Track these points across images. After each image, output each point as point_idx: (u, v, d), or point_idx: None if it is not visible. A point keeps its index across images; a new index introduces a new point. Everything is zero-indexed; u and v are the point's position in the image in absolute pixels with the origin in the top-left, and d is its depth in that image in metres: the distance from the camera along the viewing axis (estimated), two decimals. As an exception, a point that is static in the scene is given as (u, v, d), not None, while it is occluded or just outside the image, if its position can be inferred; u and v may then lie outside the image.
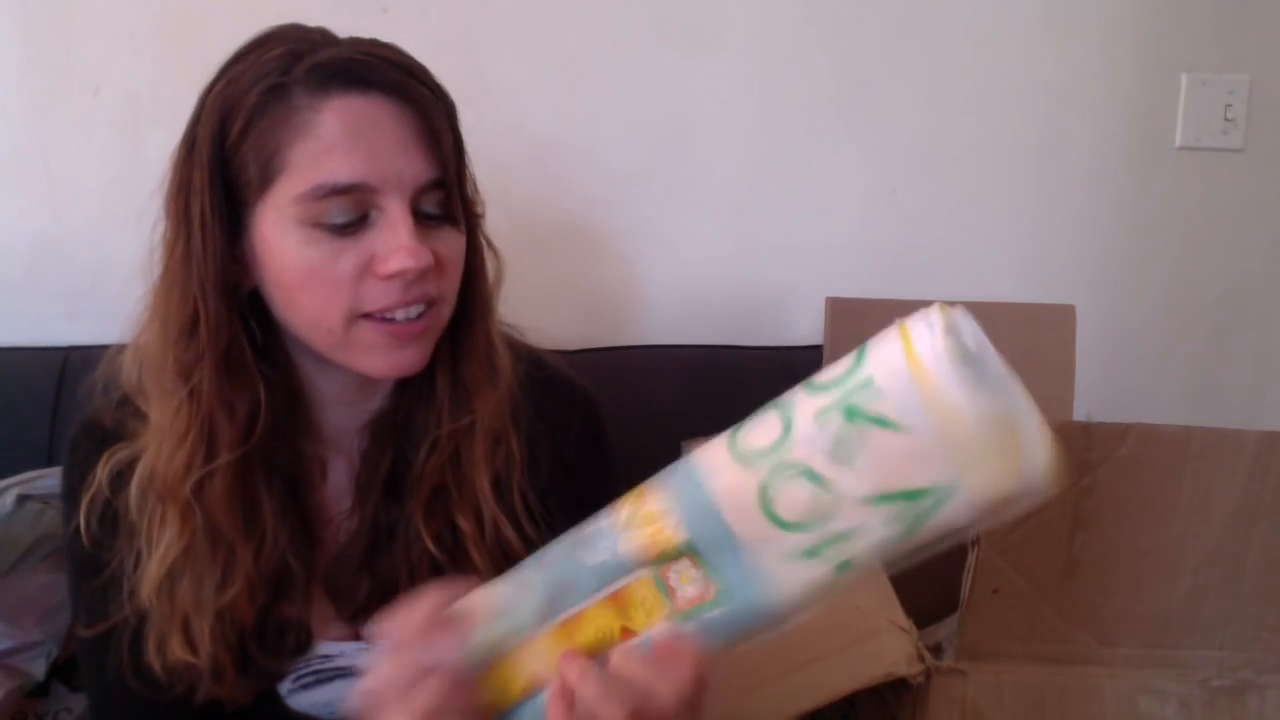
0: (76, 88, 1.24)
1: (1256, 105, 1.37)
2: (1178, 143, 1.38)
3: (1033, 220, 1.40)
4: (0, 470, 1.05)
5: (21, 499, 1.03)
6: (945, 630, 0.76)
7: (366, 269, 0.65)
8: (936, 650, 0.72)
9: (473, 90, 1.25)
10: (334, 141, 0.64)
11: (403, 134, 0.65)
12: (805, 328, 1.36)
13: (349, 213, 0.64)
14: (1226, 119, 1.37)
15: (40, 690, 1.02)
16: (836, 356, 1.14)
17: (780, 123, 1.34)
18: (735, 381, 1.30)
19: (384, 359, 0.68)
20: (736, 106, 1.33)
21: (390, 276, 0.65)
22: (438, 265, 0.67)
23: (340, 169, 0.63)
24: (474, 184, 0.74)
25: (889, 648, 0.71)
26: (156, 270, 0.69)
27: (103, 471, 0.71)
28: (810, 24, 1.33)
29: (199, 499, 0.67)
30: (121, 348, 0.72)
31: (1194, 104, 1.37)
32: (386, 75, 0.65)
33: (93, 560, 0.71)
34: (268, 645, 0.69)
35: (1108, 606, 0.72)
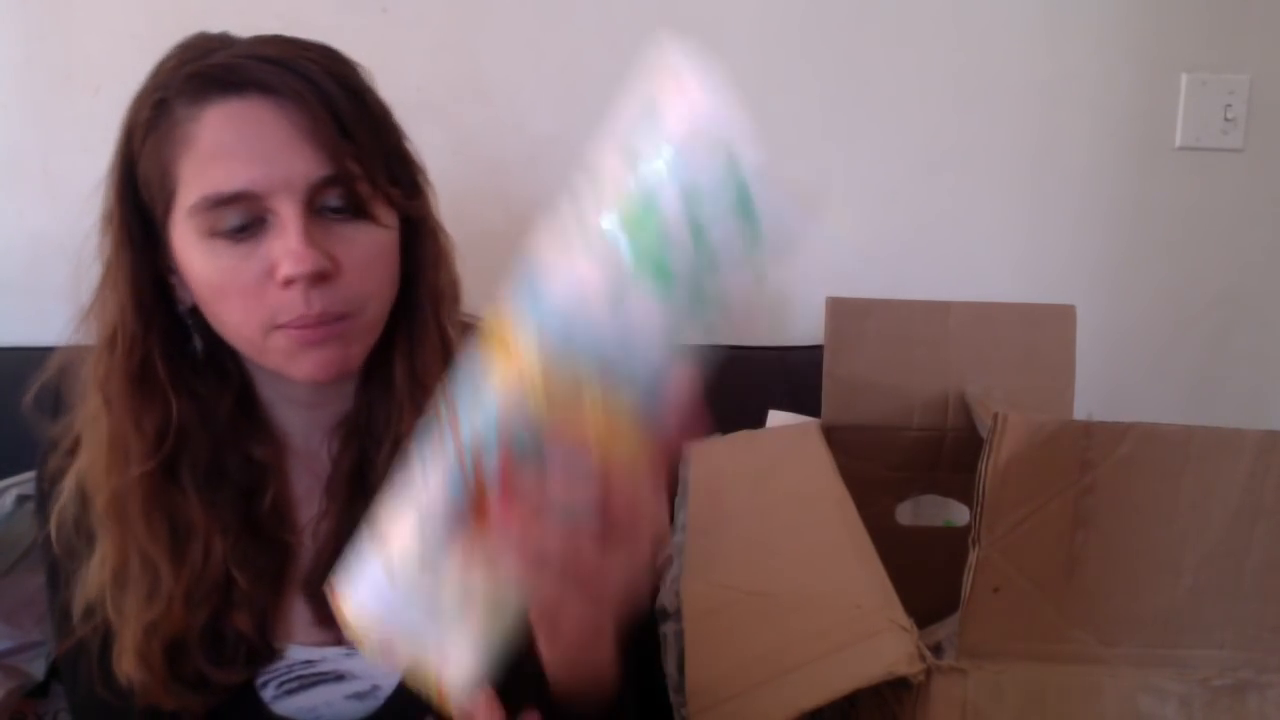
0: (76, 88, 1.24)
1: (1256, 105, 1.37)
2: (1178, 143, 1.38)
3: (1032, 220, 1.40)
4: (0, 470, 1.05)
5: (21, 499, 1.03)
6: (946, 629, 0.76)
7: (269, 276, 0.64)
8: (937, 649, 0.72)
9: (472, 90, 1.25)
10: (214, 150, 0.62)
11: (284, 133, 0.63)
12: (805, 328, 1.36)
13: (243, 220, 0.63)
14: (1226, 119, 1.37)
15: (40, 690, 1.02)
16: (837, 356, 1.15)
17: (779, 122, 1.34)
18: (735, 381, 1.30)
19: (304, 362, 0.66)
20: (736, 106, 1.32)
21: (286, 284, 0.63)
22: (344, 267, 0.65)
23: (222, 179, 0.62)
24: (422, 172, 0.72)
25: (889, 647, 0.71)
26: (88, 289, 0.69)
27: (70, 481, 0.70)
28: (810, 24, 1.33)
29: (117, 512, 0.67)
30: (66, 350, 0.71)
31: (1194, 104, 1.37)
32: (259, 75, 0.63)
33: (60, 571, 0.71)
34: (214, 657, 0.68)
35: (1108, 605, 0.72)
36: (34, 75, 1.24)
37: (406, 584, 0.47)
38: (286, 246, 0.63)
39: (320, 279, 0.64)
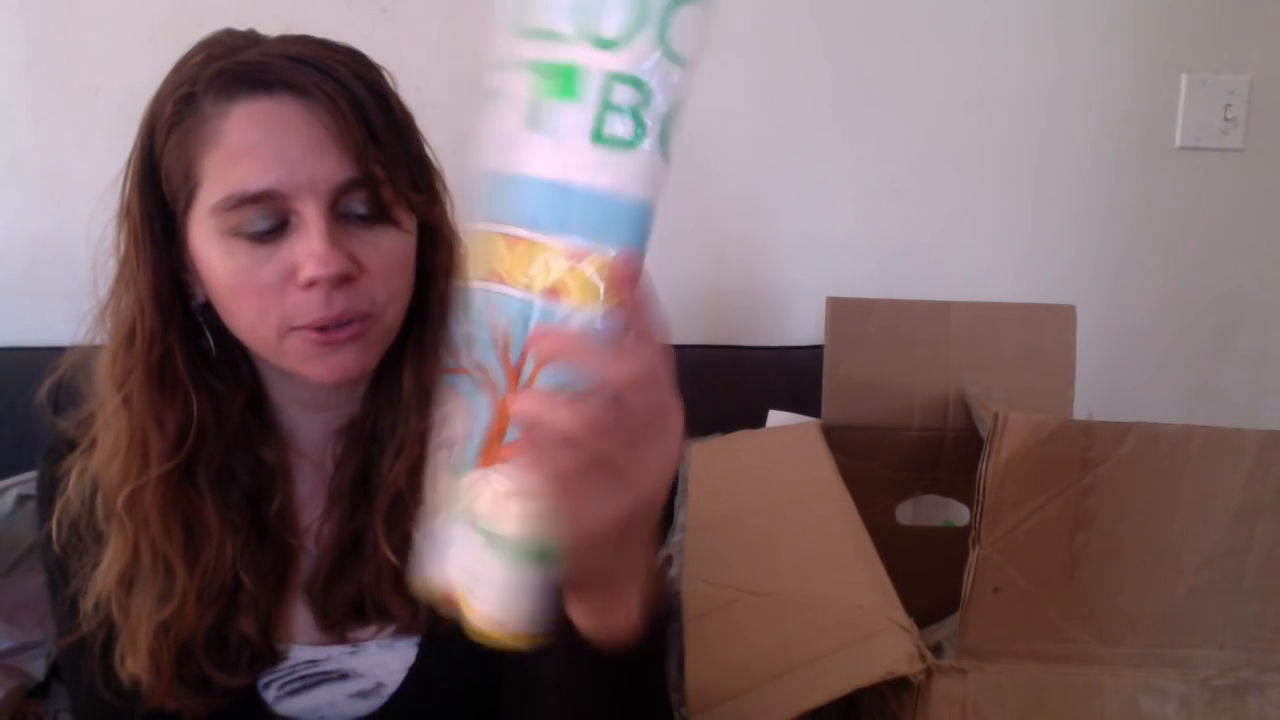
0: (76, 88, 1.24)
1: (1256, 105, 1.37)
2: (1178, 143, 1.38)
3: (1033, 220, 1.40)
4: (0, 470, 1.05)
5: (21, 499, 1.03)
6: (946, 629, 0.75)
7: (289, 278, 0.63)
8: (937, 649, 0.72)
9: (472, 90, 1.25)
10: (241, 149, 0.62)
11: (313, 135, 0.63)
12: (805, 328, 1.36)
13: (266, 220, 0.63)
14: (1226, 119, 1.37)
15: (40, 690, 1.02)
16: (837, 356, 1.15)
17: (781, 122, 1.34)
18: (735, 381, 1.30)
19: (321, 365, 0.66)
20: (737, 106, 1.33)
21: (307, 286, 0.63)
22: (367, 271, 0.65)
23: (248, 177, 0.62)
24: (440, 177, 0.71)
25: (889, 647, 0.71)
26: (105, 284, 0.69)
27: (75, 479, 0.70)
28: (811, 23, 1.33)
29: (133, 512, 0.67)
30: (79, 349, 0.71)
31: (1194, 104, 1.37)
32: (289, 75, 0.63)
33: (64, 568, 0.71)
34: (218, 660, 0.68)
35: (1109, 605, 0.72)
36: (34, 75, 1.24)
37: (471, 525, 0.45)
38: (310, 249, 0.63)
39: (343, 281, 0.64)
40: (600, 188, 0.42)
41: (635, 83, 0.42)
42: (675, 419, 0.45)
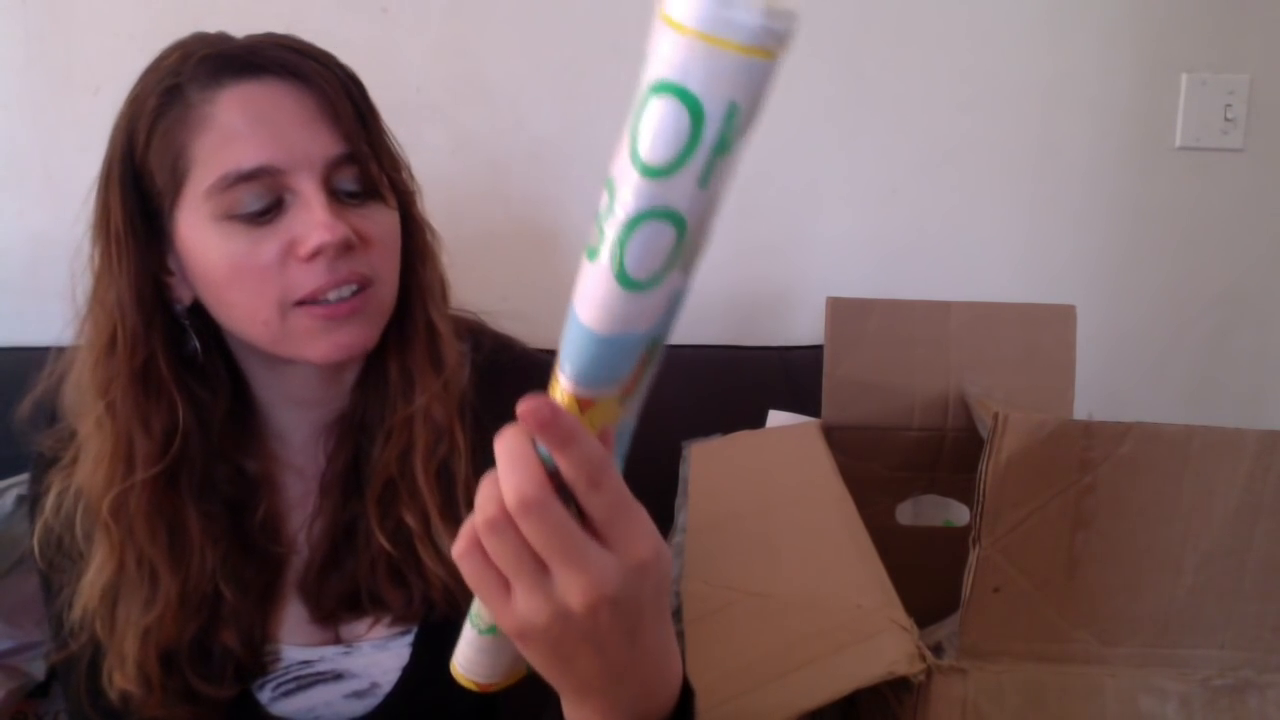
0: (76, 88, 1.24)
1: (1256, 105, 1.37)
2: (1178, 143, 1.38)
3: (1032, 220, 1.40)
4: (0, 470, 1.05)
5: (21, 499, 1.03)
6: (946, 629, 0.75)
7: (289, 253, 0.64)
8: (937, 649, 0.72)
9: (472, 91, 1.25)
10: (234, 130, 0.63)
11: (303, 113, 0.64)
12: (805, 328, 1.36)
13: (261, 199, 0.64)
14: (1226, 119, 1.37)
15: (40, 690, 1.02)
16: (837, 356, 1.15)
17: (780, 122, 1.34)
18: (735, 381, 1.30)
19: (324, 342, 0.66)
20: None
21: (311, 256, 0.64)
22: (365, 242, 0.66)
23: (244, 155, 0.63)
24: (407, 168, 0.73)
25: (889, 647, 0.70)
26: (83, 296, 0.69)
27: (53, 498, 0.70)
28: (810, 23, 1.32)
29: (118, 517, 0.67)
30: (61, 350, 0.71)
31: (1194, 104, 1.37)
32: (276, 58, 0.65)
33: (47, 582, 0.72)
34: (202, 672, 0.68)
35: (1109, 605, 0.72)
36: (34, 75, 1.24)
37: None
38: (314, 219, 0.63)
39: (345, 250, 0.65)
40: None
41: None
42: (603, 560, 0.42)
